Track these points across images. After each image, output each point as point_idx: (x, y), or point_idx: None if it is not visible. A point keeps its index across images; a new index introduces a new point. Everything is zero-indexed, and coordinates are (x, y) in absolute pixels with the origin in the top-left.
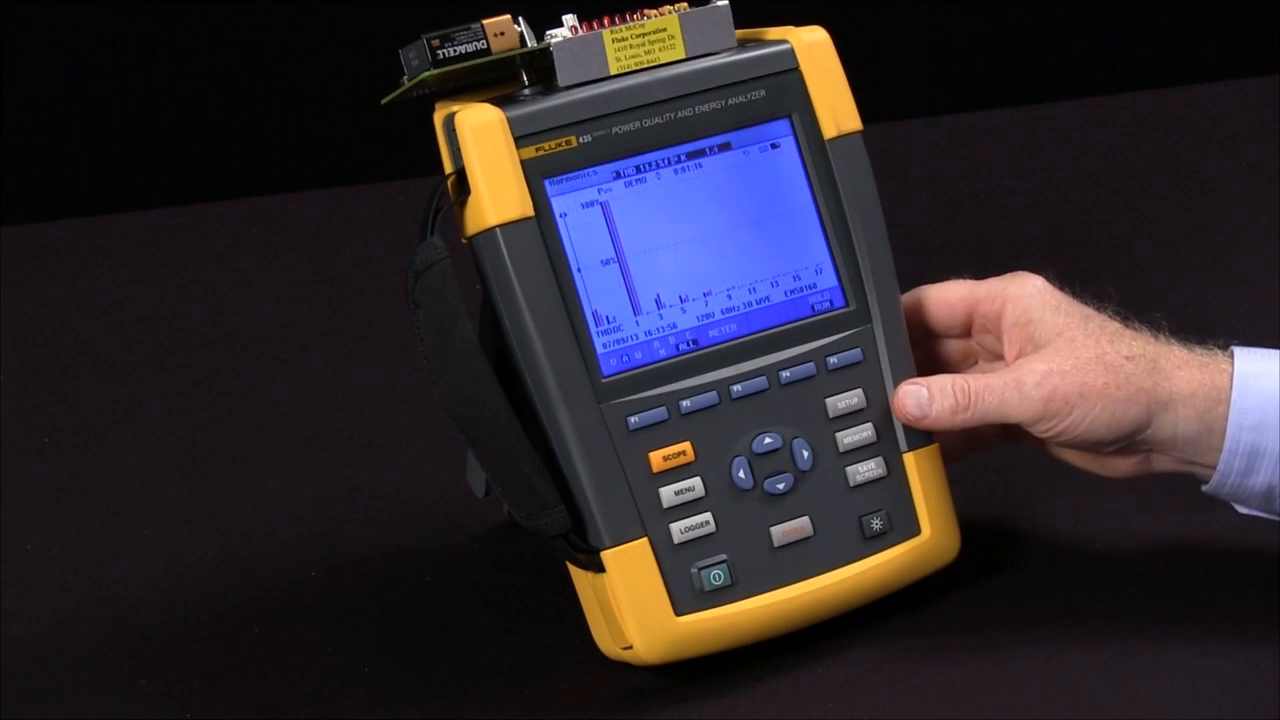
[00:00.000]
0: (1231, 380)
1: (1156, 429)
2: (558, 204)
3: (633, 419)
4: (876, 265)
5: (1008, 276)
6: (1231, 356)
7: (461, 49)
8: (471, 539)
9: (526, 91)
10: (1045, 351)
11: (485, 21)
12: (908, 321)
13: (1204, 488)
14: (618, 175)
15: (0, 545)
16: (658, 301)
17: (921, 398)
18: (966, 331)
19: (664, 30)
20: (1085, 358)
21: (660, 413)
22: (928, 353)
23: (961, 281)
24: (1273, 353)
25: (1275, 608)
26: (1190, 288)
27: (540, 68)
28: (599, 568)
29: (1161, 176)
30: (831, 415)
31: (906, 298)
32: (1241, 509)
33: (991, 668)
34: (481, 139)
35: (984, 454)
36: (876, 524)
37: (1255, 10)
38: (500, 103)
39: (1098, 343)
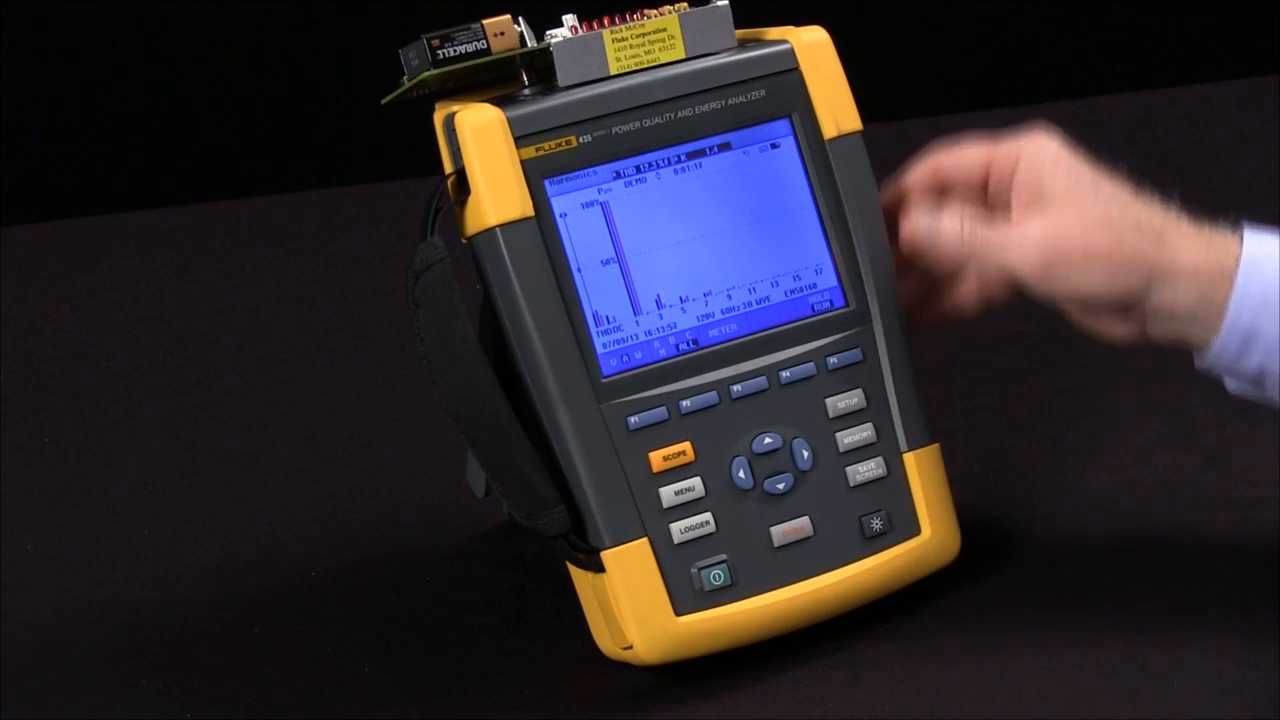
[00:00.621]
0: (1237, 260)
1: (1155, 300)
2: (558, 204)
3: (633, 419)
4: (876, 265)
5: (1024, 137)
6: (1240, 237)
7: (461, 49)
8: (471, 539)
9: (526, 91)
10: (1052, 210)
11: (485, 21)
12: (924, 184)
13: (1197, 364)
14: (618, 175)
15: (0, 545)
16: (658, 301)
17: (931, 228)
18: (983, 193)
19: (664, 30)
20: (1091, 219)
21: (660, 413)
22: None
23: (977, 142)
24: None
25: (1275, 608)
26: None
27: (540, 68)
28: (599, 568)
29: (1161, 176)
30: (831, 415)
31: (922, 163)
32: (1231, 385)
33: (991, 668)
34: (481, 139)
35: (992, 317)
36: (876, 524)
37: (1255, 10)
38: (500, 103)
39: (1106, 207)
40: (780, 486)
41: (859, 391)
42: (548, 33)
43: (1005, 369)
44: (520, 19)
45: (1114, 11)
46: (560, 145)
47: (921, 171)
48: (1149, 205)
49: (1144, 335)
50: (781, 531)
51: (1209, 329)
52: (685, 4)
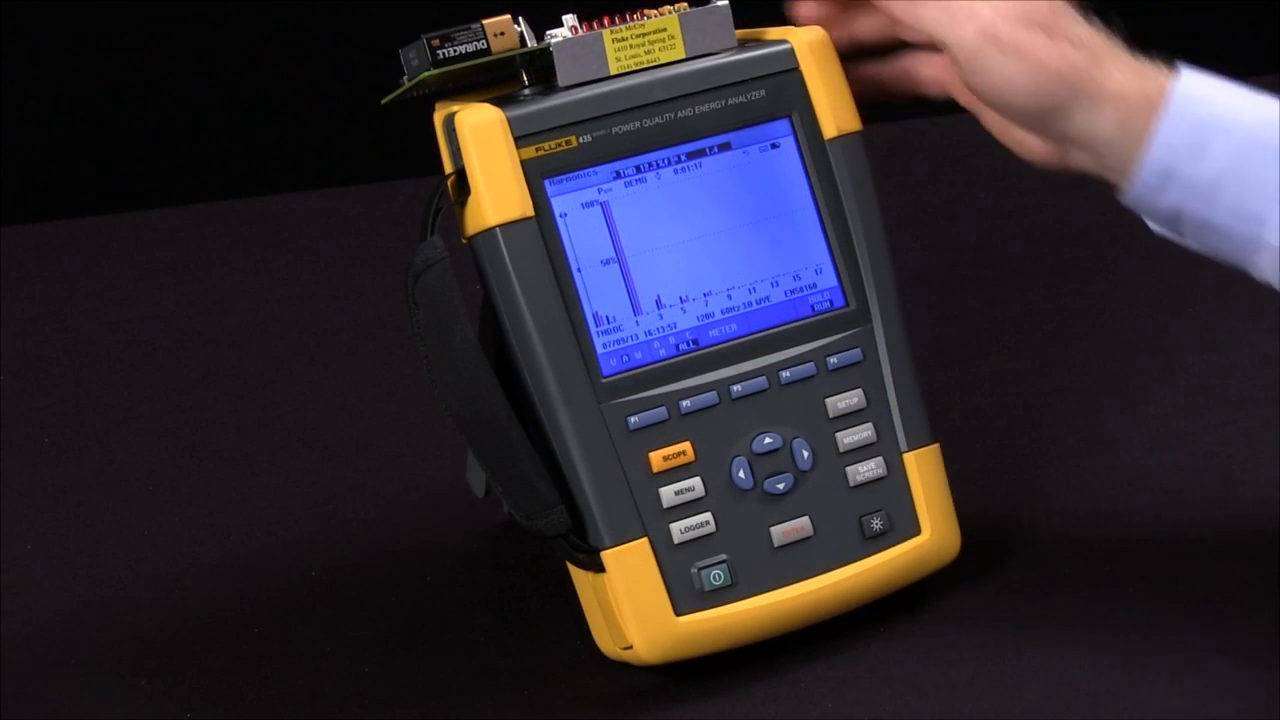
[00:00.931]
0: (1166, 95)
1: (1077, 122)
2: (558, 204)
3: (633, 419)
4: (876, 265)
5: None
6: (1175, 74)
7: (461, 49)
8: (471, 539)
9: (526, 91)
10: (1003, 2)
11: (485, 21)
12: None
13: (1120, 199)
14: (618, 175)
15: (0, 545)
16: (658, 301)
17: None
18: None
19: (664, 30)
20: (1036, 20)
21: (660, 413)
22: None
23: None
24: (1217, 80)
25: (1275, 608)
26: (1191, 286)
27: (540, 68)
28: (599, 568)
29: None
30: (831, 415)
31: None
32: (1153, 227)
33: (991, 668)
34: (481, 139)
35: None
36: (876, 524)
37: (1255, 10)
38: (500, 103)
39: (1053, 17)
40: (780, 486)
41: (859, 391)
42: (548, 33)
43: (1005, 369)
44: (520, 19)
45: (1113, 12)
46: (560, 145)
47: None
48: (1094, 29)
49: (1063, 161)
50: (781, 531)
51: (1129, 160)
52: (685, 4)
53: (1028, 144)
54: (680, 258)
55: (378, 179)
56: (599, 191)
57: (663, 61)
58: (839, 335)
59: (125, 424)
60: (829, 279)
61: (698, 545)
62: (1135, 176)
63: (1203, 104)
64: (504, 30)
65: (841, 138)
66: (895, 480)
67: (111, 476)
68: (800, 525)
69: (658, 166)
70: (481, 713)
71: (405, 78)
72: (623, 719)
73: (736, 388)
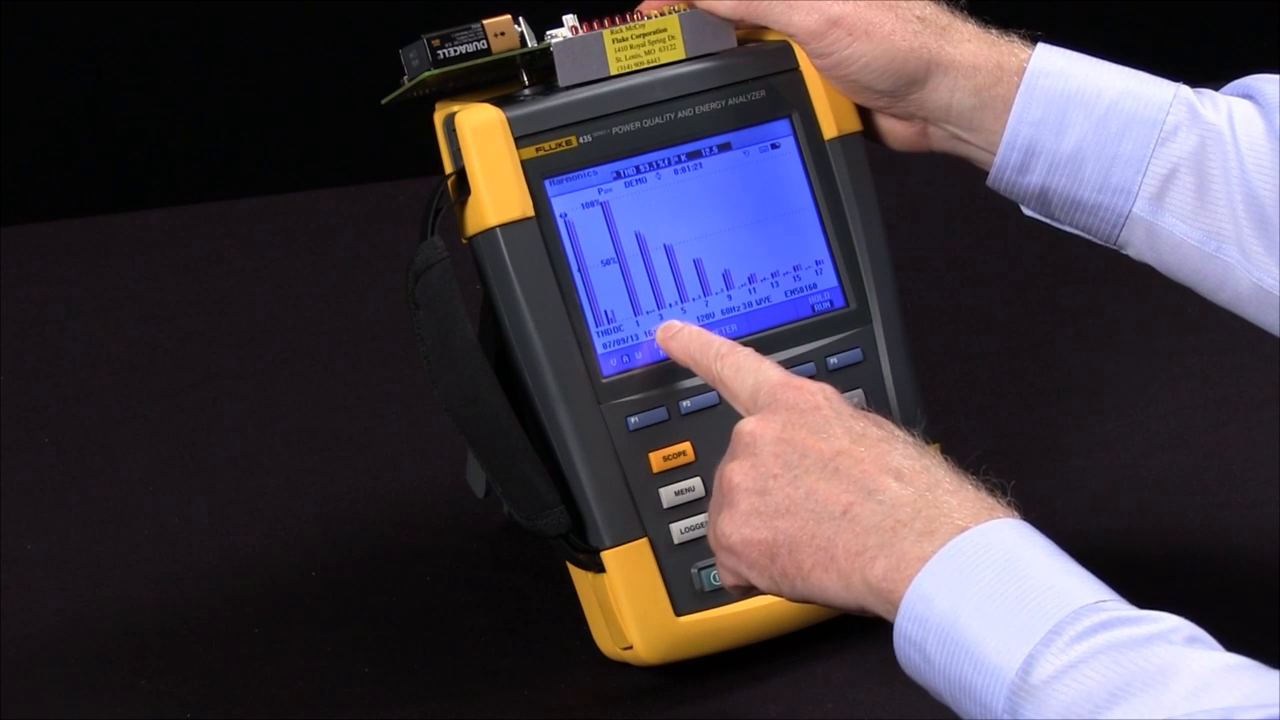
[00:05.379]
0: (1023, 67)
1: (932, 92)
2: (558, 204)
3: (633, 419)
4: (876, 265)
5: None
6: (1032, 47)
7: (462, 49)
8: (471, 539)
9: (527, 91)
10: None
11: (485, 21)
12: None
13: (987, 181)
14: (618, 175)
15: (0, 545)
16: (658, 301)
17: None
18: None
19: (664, 30)
20: (876, 6)
21: (660, 413)
22: None
23: None
24: (1073, 54)
25: (1275, 608)
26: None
27: (540, 68)
28: (599, 568)
29: None
30: None
31: None
32: (1027, 211)
33: None
34: (482, 139)
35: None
36: None
37: (1255, 10)
38: (500, 103)
39: (892, 2)
40: None
41: (859, 392)
42: (548, 33)
43: (1005, 369)
44: (520, 19)
45: (1112, 12)
46: (560, 145)
47: None
48: (937, 4)
49: (926, 143)
50: None
51: (988, 133)
52: (685, 4)
53: (893, 130)
54: (680, 258)
55: (378, 179)
56: (599, 192)
57: (663, 62)
58: (839, 335)
59: (125, 424)
60: (829, 279)
61: (698, 545)
62: (1000, 155)
63: (1059, 77)
64: (504, 30)
65: (841, 138)
66: None
67: (111, 476)
68: None
69: (658, 167)
70: (481, 713)
71: (405, 78)
72: (623, 719)
73: None
